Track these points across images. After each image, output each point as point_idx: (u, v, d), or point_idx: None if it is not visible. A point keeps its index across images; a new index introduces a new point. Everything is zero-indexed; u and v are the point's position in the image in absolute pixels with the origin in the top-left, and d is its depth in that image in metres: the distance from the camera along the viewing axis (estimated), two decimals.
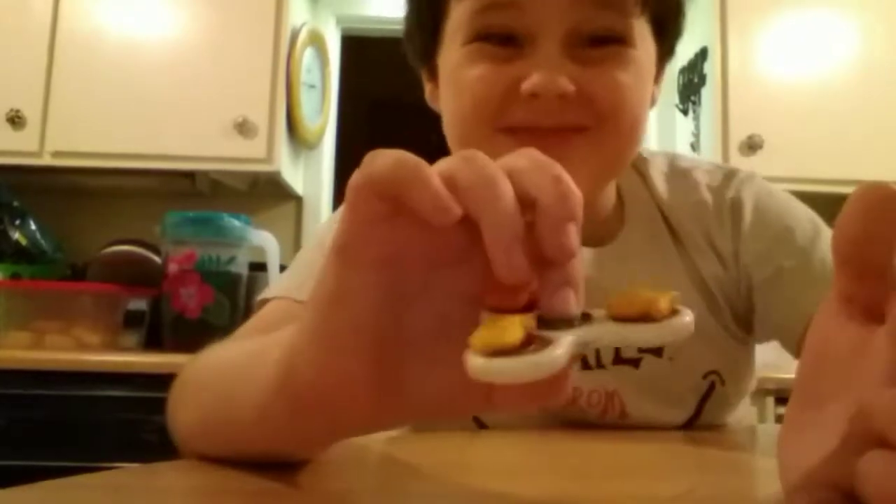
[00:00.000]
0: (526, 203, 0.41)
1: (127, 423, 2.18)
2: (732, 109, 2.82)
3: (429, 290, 0.44)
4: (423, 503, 0.51)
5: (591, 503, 0.50)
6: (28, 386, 2.21)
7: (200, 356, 0.71)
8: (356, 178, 0.43)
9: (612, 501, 0.51)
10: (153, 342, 2.65)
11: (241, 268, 2.59)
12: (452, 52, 0.90)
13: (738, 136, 2.80)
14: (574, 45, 0.83)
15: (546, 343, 0.39)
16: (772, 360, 1.03)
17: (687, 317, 0.40)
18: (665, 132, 3.31)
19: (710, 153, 2.86)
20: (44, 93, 2.76)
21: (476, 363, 0.38)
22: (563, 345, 0.39)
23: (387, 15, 3.39)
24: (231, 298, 2.54)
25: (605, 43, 0.84)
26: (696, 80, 3.03)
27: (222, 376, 0.63)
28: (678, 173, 1.04)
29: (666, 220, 1.01)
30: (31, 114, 2.75)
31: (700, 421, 0.96)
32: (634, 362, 0.95)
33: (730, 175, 1.03)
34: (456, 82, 0.89)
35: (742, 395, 1.05)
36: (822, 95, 2.85)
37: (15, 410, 2.20)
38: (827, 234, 0.96)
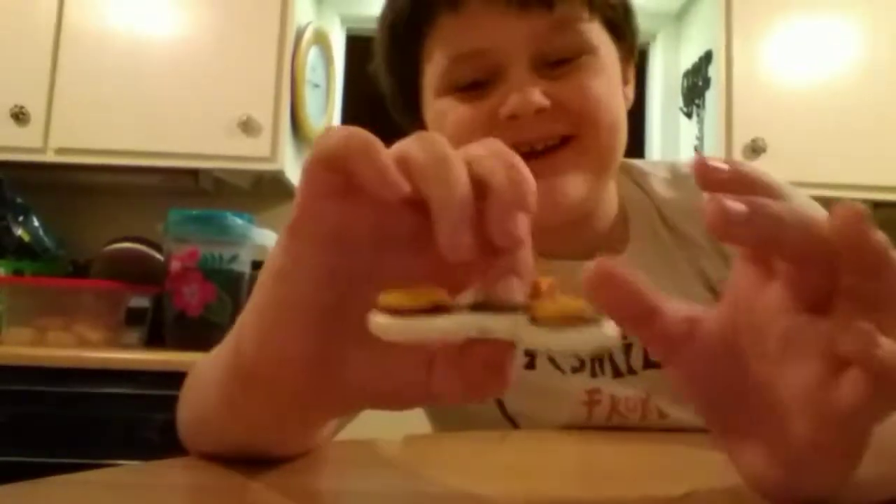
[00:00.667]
0: (480, 189, 0.41)
1: (129, 420, 2.18)
2: (736, 113, 2.82)
3: (376, 272, 0.44)
4: (421, 503, 0.51)
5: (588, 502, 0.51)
6: (30, 383, 2.21)
7: (205, 357, 0.71)
8: (310, 153, 0.43)
9: (608, 501, 0.51)
10: (155, 340, 2.65)
11: (243, 266, 2.59)
12: (433, 103, 0.96)
13: (742, 139, 2.79)
14: (540, 66, 0.89)
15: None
16: None
17: (610, 329, 0.39)
18: (669, 136, 3.31)
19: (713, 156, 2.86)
20: (48, 89, 2.77)
21: (372, 318, 0.39)
22: (460, 319, 0.39)
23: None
24: (233, 297, 2.54)
25: (570, 58, 0.90)
26: (700, 83, 3.03)
27: (204, 373, 0.63)
28: (681, 178, 1.07)
29: (669, 227, 1.03)
30: (35, 110, 2.75)
31: None
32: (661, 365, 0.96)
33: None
34: (440, 129, 0.94)
35: None
36: (826, 99, 2.84)
37: (17, 407, 2.20)
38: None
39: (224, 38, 2.84)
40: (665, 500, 0.52)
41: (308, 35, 3.00)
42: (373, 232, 0.43)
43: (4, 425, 2.18)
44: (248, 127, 2.76)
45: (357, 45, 3.60)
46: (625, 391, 0.95)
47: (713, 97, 2.90)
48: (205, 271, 2.50)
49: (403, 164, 0.40)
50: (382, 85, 1.09)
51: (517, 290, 0.40)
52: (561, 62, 0.90)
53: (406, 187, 0.39)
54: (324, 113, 3.24)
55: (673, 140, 3.27)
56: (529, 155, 0.88)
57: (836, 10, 2.91)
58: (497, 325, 0.39)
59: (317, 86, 3.15)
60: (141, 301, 2.68)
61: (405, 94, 1.03)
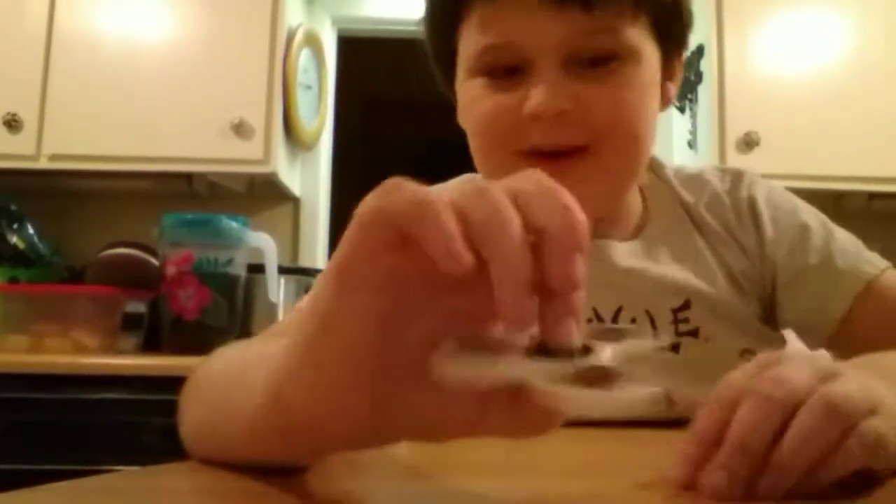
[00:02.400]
0: (532, 230, 0.40)
1: (126, 425, 2.18)
2: (729, 107, 2.82)
3: (426, 313, 0.44)
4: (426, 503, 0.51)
5: (577, 499, 0.50)
6: (27, 389, 2.21)
7: (210, 358, 0.71)
8: (370, 206, 0.42)
9: (607, 499, 0.51)
10: (152, 344, 2.65)
11: (239, 269, 2.59)
12: (463, 83, 0.97)
13: (734, 133, 2.79)
14: (573, 65, 0.88)
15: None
16: None
17: (645, 390, 0.39)
18: (662, 130, 3.28)
19: (706, 151, 2.87)
20: (40, 96, 2.76)
21: (438, 364, 0.40)
22: (523, 367, 0.40)
23: (382, 16, 3.39)
24: (229, 300, 2.54)
25: (603, 62, 0.88)
26: (692, 77, 3.03)
27: (219, 383, 0.63)
28: (687, 176, 1.10)
29: (691, 214, 1.06)
30: (28, 117, 2.75)
31: None
32: (674, 347, 0.99)
33: (738, 175, 1.08)
34: (469, 115, 0.97)
35: None
36: (818, 92, 2.85)
37: (14, 414, 2.19)
38: (834, 227, 1.04)
39: (215, 42, 2.83)
40: (657, 495, 0.52)
41: (299, 37, 3.00)
42: (425, 279, 0.42)
43: (2, 433, 2.17)
44: (240, 130, 2.76)
45: (348, 47, 3.60)
46: None
47: (706, 91, 2.90)
48: (200, 275, 2.50)
49: (462, 220, 0.40)
50: (429, 51, 1.08)
51: (573, 333, 0.41)
52: (595, 63, 0.88)
53: (470, 262, 0.39)
54: (316, 114, 3.24)
55: (666, 135, 3.27)
56: (551, 158, 0.88)
57: (828, 2, 2.91)
58: (542, 375, 0.40)
59: (309, 87, 3.15)
60: (137, 306, 2.67)
61: (441, 66, 1.05)
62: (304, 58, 3.06)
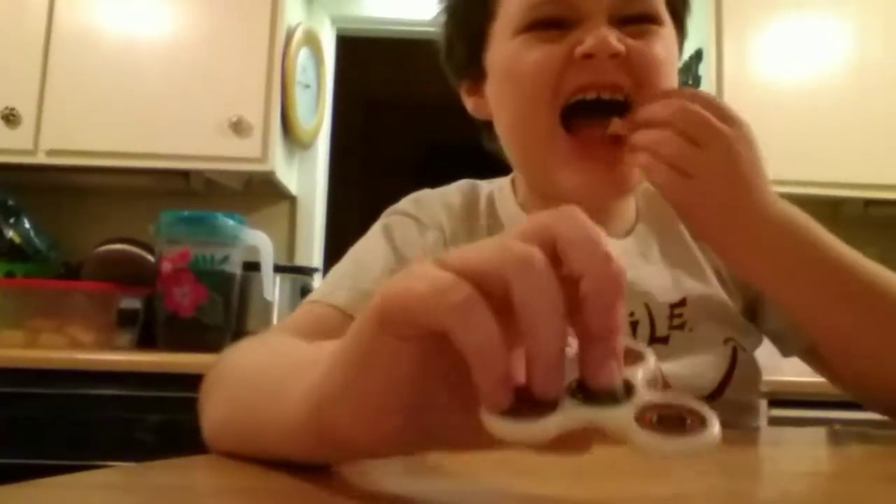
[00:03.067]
0: (571, 275, 0.41)
1: (121, 421, 2.18)
2: None
3: None
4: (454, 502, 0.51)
5: (588, 502, 0.51)
6: (22, 384, 2.21)
7: (232, 352, 0.74)
8: (408, 298, 0.42)
9: (604, 501, 0.51)
10: (147, 341, 2.65)
11: (234, 267, 2.59)
12: (504, 45, 0.98)
13: None
14: (616, 24, 0.92)
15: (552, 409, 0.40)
16: (763, 363, 1.05)
17: (715, 428, 0.39)
18: None
19: None
20: (39, 91, 2.76)
21: (486, 418, 0.40)
22: (571, 415, 0.40)
23: (381, 15, 3.39)
24: (225, 298, 2.54)
25: (641, 23, 0.94)
26: (690, 82, 3.03)
27: (250, 382, 0.65)
28: None
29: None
30: (26, 112, 2.75)
31: (731, 385, 0.99)
32: (664, 340, 1.01)
33: None
34: (512, 69, 0.97)
35: (755, 399, 1.09)
36: (816, 98, 2.85)
37: (9, 409, 2.19)
38: None
39: (214, 40, 2.84)
40: (655, 500, 0.52)
41: (298, 36, 3.00)
42: None
43: None
44: (238, 128, 2.76)
45: (347, 46, 3.60)
46: None
47: None
48: (196, 272, 2.50)
49: (500, 282, 0.40)
50: (442, 38, 1.11)
51: (617, 375, 0.41)
52: (634, 24, 0.93)
53: (508, 403, 0.40)
54: (314, 113, 3.24)
55: None
56: (598, 141, 0.91)
57: (826, 8, 2.92)
58: (607, 422, 0.40)
59: (307, 86, 3.15)
60: (132, 302, 2.67)
61: (469, 41, 1.05)
62: (302, 57, 3.07)
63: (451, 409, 0.45)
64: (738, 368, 0.99)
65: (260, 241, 2.66)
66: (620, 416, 0.40)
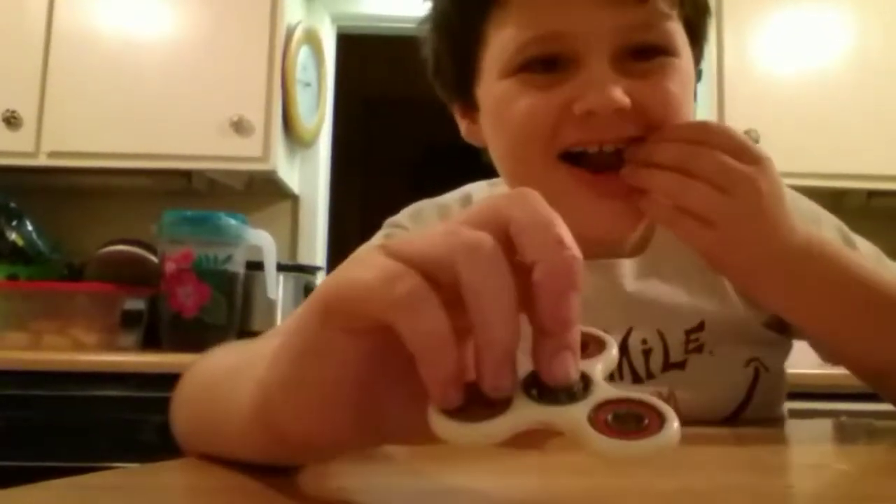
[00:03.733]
0: (520, 262, 0.40)
1: (125, 423, 2.18)
2: (728, 105, 2.82)
3: None
4: (427, 501, 0.51)
5: (590, 499, 0.50)
6: (26, 386, 2.21)
7: (203, 357, 0.71)
8: (350, 287, 0.41)
9: (609, 497, 0.51)
10: (151, 342, 2.65)
11: (237, 267, 2.59)
12: (494, 84, 0.88)
13: None
14: (621, 60, 0.83)
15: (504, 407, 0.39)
16: None
17: (673, 428, 0.38)
18: None
19: None
20: (39, 93, 2.76)
21: (434, 419, 0.39)
22: (522, 415, 0.39)
23: (381, 13, 3.39)
24: (228, 297, 2.54)
25: (651, 55, 0.84)
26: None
27: (211, 385, 0.63)
28: None
29: None
30: (27, 114, 2.75)
31: (752, 405, 0.97)
32: (681, 365, 0.97)
33: None
34: (503, 115, 0.88)
35: (781, 392, 1.07)
36: (818, 89, 2.85)
37: (13, 411, 2.20)
38: (856, 238, 1.03)
39: (214, 39, 2.84)
40: (657, 495, 0.52)
41: (298, 34, 3.00)
42: None
43: (1, 430, 2.18)
44: (239, 127, 2.76)
45: (347, 44, 3.60)
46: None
47: (705, 90, 2.90)
48: (199, 272, 2.50)
49: (450, 270, 0.39)
50: (429, 50, 1.00)
51: (572, 370, 0.39)
52: (642, 59, 0.84)
53: (457, 402, 0.39)
54: (315, 112, 3.24)
55: None
56: (598, 167, 0.84)
57: (826, 0, 2.91)
58: (560, 422, 0.39)
59: (308, 85, 3.15)
60: (136, 303, 2.67)
61: (459, 67, 0.94)
62: (303, 55, 3.06)
63: (403, 403, 0.44)
64: (757, 390, 0.97)
65: (263, 241, 2.66)
66: (573, 416, 0.38)
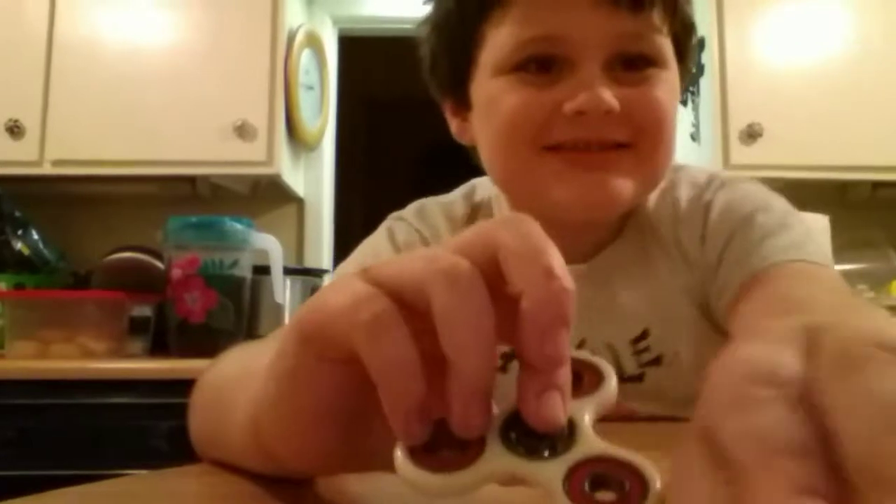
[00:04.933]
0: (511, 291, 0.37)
1: (135, 429, 2.18)
2: (731, 99, 2.82)
3: None
4: None
5: None
6: (35, 396, 2.21)
7: (217, 361, 0.72)
8: (321, 316, 0.40)
9: None
10: (159, 348, 2.65)
11: (244, 271, 2.59)
12: (489, 81, 0.91)
13: (737, 125, 2.79)
14: (612, 68, 0.86)
15: (475, 455, 0.36)
16: None
17: (653, 493, 0.33)
18: None
19: (710, 143, 2.86)
20: (42, 102, 2.76)
21: (403, 469, 0.36)
22: (498, 465, 0.36)
23: (383, 14, 3.39)
24: (235, 302, 2.54)
25: (641, 66, 0.87)
26: (693, 70, 3.02)
27: (217, 394, 0.64)
28: (667, 186, 1.02)
29: (657, 237, 0.99)
30: (30, 123, 2.75)
31: None
32: (638, 377, 0.96)
33: (709, 180, 1.00)
34: (495, 110, 0.90)
35: None
36: (820, 82, 2.84)
37: (22, 420, 2.20)
38: (792, 225, 0.92)
39: (216, 44, 2.83)
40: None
41: (300, 37, 3.00)
42: None
43: (11, 440, 2.18)
44: (243, 132, 2.76)
45: (349, 46, 3.60)
46: None
47: (707, 84, 2.90)
48: (206, 278, 2.50)
49: (424, 296, 0.36)
50: (426, 49, 1.02)
51: (560, 411, 0.36)
52: (633, 69, 0.87)
53: (420, 439, 0.36)
54: (319, 115, 3.24)
55: None
56: (583, 146, 0.87)
57: None
58: (534, 479, 0.35)
59: (311, 88, 3.15)
60: (143, 310, 2.68)
61: (454, 63, 0.97)
62: (305, 58, 3.06)
63: (389, 431, 0.39)
64: None
65: (269, 245, 2.66)
66: (549, 476, 0.34)
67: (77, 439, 2.20)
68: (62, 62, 2.79)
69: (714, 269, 0.92)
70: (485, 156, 0.96)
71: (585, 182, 0.87)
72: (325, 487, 0.52)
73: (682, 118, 3.15)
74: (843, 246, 2.58)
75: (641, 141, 0.87)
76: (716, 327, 0.95)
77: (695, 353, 0.96)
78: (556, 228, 0.95)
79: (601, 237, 1.00)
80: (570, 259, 0.99)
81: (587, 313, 0.94)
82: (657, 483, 0.33)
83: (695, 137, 3.04)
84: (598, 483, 0.34)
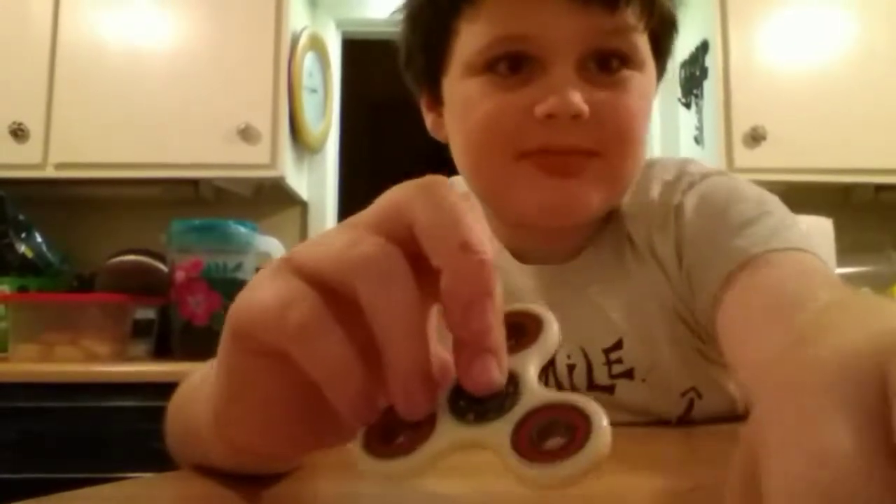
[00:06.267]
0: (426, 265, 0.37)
1: (139, 432, 2.18)
2: (735, 102, 2.82)
3: None
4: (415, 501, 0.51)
5: (596, 497, 0.50)
6: (38, 399, 2.21)
7: (192, 372, 0.72)
8: (250, 310, 0.39)
9: (617, 496, 0.51)
10: (162, 351, 2.65)
11: (248, 274, 2.59)
12: (460, 81, 0.90)
13: (741, 128, 2.79)
14: (584, 69, 0.85)
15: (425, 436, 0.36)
16: None
17: (601, 440, 0.33)
18: (668, 127, 3.30)
19: (713, 146, 2.86)
20: (46, 105, 2.77)
21: (360, 459, 0.37)
22: (447, 438, 0.36)
23: (386, 18, 3.38)
24: None
25: (615, 67, 0.86)
26: (697, 73, 3.02)
27: (186, 400, 0.65)
28: (639, 187, 0.98)
29: (632, 242, 0.97)
30: (34, 126, 2.75)
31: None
32: (609, 389, 0.94)
33: (677, 178, 0.97)
34: (467, 114, 0.89)
35: (729, 402, 0.99)
36: (824, 85, 2.84)
37: (26, 423, 2.20)
38: (778, 212, 0.88)
39: (220, 47, 2.84)
40: (672, 494, 0.52)
41: (304, 40, 3.00)
42: None
43: (14, 442, 2.18)
44: (247, 135, 2.76)
45: (353, 49, 3.60)
46: None
47: (711, 87, 2.90)
48: (209, 280, 2.50)
49: (350, 288, 0.36)
50: (401, 41, 1.01)
51: (495, 373, 0.36)
52: (606, 69, 0.86)
53: (371, 420, 0.37)
54: (322, 118, 3.25)
55: (673, 131, 3.27)
56: (560, 155, 0.85)
57: None
58: (486, 443, 0.35)
59: (314, 91, 3.15)
60: (147, 313, 2.68)
61: (429, 57, 0.95)
62: (308, 61, 3.07)
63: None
64: (690, 416, 0.94)
65: (272, 248, 2.66)
66: (496, 436, 0.35)
67: (80, 442, 2.20)
68: (66, 65, 2.80)
69: (691, 275, 0.89)
70: (457, 156, 0.95)
71: (550, 188, 0.85)
72: (309, 488, 0.52)
73: (686, 121, 3.15)
74: (846, 249, 2.58)
75: (609, 149, 0.86)
76: (699, 337, 0.93)
77: (671, 370, 0.93)
78: (535, 230, 0.96)
79: (580, 240, 0.98)
80: (550, 260, 0.98)
81: (562, 313, 0.93)
82: (602, 419, 0.34)
83: (698, 140, 3.04)
84: (546, 432, 0.34)
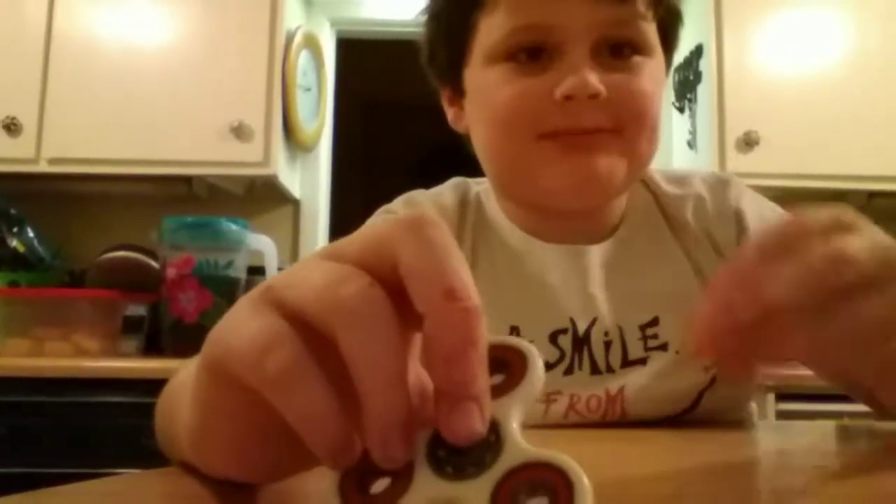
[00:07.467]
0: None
1: (127, 428, 2.18)
2: (729, 106, 2.82)
3: None
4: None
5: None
6: (28, 393, 2.21)
7: (180, 368, 0.72)
8: (227, 353, 0.38)
9: (609, 500, 0.51)
10: (152, 347, 2.65)
11: (239, 272, 2.59)
12: (482, 71, 0.96)
13: (734, 132, 2.80)
14: (599, 55, 0.90)
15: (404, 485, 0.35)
16: None
17: (587, 492, 0.32)
18: (662, 131, 3.28)
19: (707, 151, 2.87)
20: (39, 100, 2.77)
21: (328, 496, 0.36)
22: (425, 491, 0.34)
23: (381, 17, 3.39)
24: (230, 303, 2.49)
25: (627, 53, 0.91)
26: (691, 77, 3.03)
27: (170, 400, 0.66)
28: (672, 177, 1.09)
29: (667, 216, 1.04)
30: (27, 121, 2.75)
31: (696, 411, 0.97)
32: (643, 361, 0.97)
33: (725, 183, 1.06)
34: (489, 100, 0.95)
35: (744, 397, 1.06)
36: (818, 91, 2.85)
37: (15, 418, 2.19)
38: None
39: (214, 45, 2.84)
40: (656, 499, 0.52)
41: (298, 39, 3.00)
42: None
43: (4, 437, 2.18)
44: (240, 132, 2.76)
45: (347, 48, 3.60)
46: (588, 391, 0.95)
47: (705, 91, 2.90)
48: (200, 278, 2.50)
49: (331, 333, 0.35)
50: (424, 38, 1.06)
51: (477, 422, 0.34)
52: (619, 56, 0.91)
53: (348, 465, 0.35)
54: (315, 116, 3.24)
55: (666, 135, 3.27)
56: (581, 135, 0.90)
57: (826, 1, 2.91)
58: (465, 499, 0.34)
59: (308, 89, 3.15)
60: (137, 309, 2.68)
61: (451, 51, 1.01)
62: (303, 60, 3.07)
63: None
64: (706, 397, 0.96)
65: (264, 246, 2.66)
66: (476, 495, 0.33)
67: (70, 437, 2.20)
68: (60, 60, 2.79)
69: None
70: (478, 144, 1.01)
71: (574, 164, 0.90)
72: (300, 485, 0.52)
73: (679, 125, 3.15)
74: None
75: (627, 127, 0.91)
76: None
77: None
78: (555, 213, 0.98)
79: (598, 224, 1.04)
80: (585, 240, 1.01)
81: (597, 292, 0.99)
82: (583, 481, 0.33)
83: (691, 145, 3.05)
84: (527, 494, 0.33)
